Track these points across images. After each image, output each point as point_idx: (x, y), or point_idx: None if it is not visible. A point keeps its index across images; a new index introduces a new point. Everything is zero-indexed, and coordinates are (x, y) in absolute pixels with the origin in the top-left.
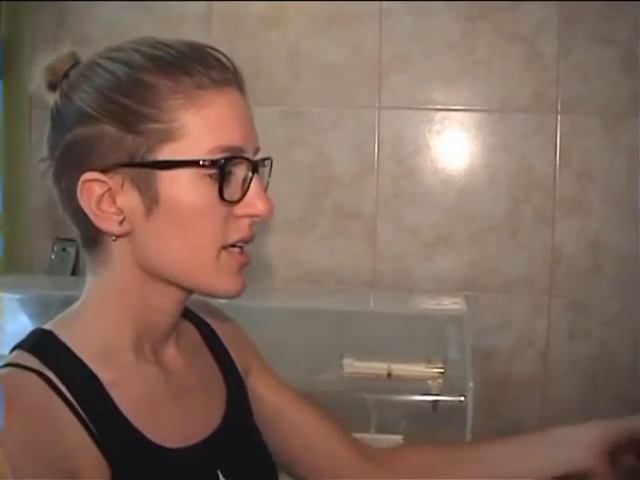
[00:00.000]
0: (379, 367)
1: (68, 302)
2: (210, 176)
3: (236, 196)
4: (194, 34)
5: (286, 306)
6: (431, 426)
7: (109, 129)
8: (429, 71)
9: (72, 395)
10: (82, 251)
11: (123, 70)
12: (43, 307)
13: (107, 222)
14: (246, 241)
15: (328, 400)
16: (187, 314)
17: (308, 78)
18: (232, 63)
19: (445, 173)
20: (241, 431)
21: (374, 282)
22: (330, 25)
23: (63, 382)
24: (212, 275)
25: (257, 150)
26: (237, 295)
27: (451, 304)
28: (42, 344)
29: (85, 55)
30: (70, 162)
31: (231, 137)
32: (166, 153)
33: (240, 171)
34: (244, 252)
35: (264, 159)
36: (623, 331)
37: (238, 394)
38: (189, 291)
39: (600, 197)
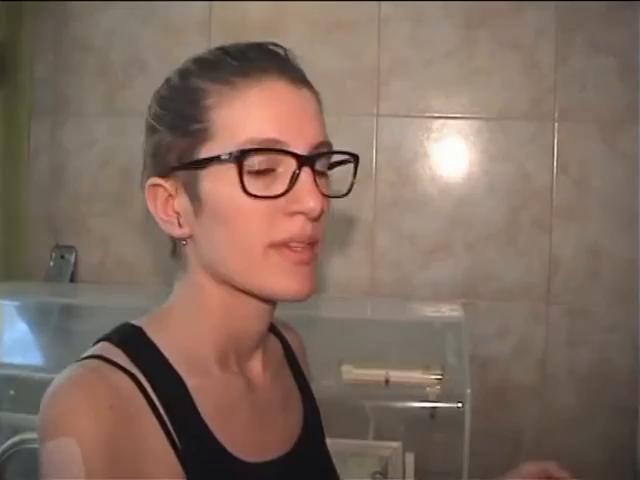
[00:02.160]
0: (377, 374)
1: (66, 309)
2: (238, 171)
3: (278, 191)
4: (194, 41)
5: (283, 313)
6: (429, 433)
7: (165, 135)
8: (427, 78)
9: (158, 398)
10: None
11: (176, 77)
12: (41, 314)
13: (169, 225)
14: (299, 240)
15: (327, 407)
16: (273, 330)
17: None
18: (279, 52)
19: (443, 181)
20: (315, 453)
21: (372, 289)
22: (329, 32)
23: (150, 384)
24: (260, 274)
25: (320, 144)
26: (298, 297)
27: (449, 311)
28: (131, 340)
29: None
30: (145, 172)
31: (263, 129)
32: (205, 152)
33: (286, 165)
34: (299, 250)
35: (321, 154)
36: (621, 338)
37: (313, 415)
38: (264, 299)
39: (598, 205)
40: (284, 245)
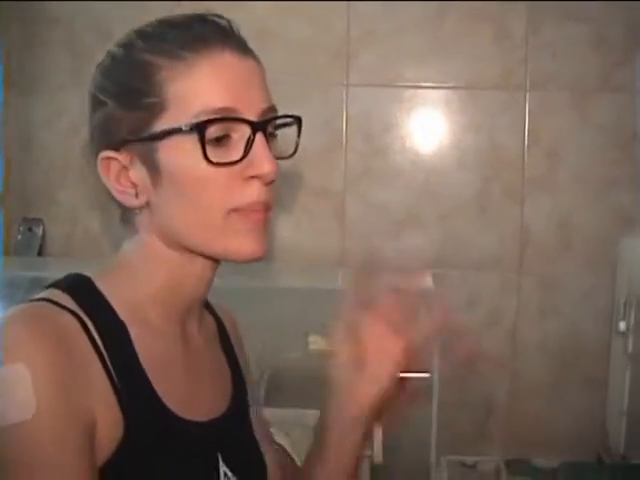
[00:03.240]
0: None
1: (36, 283)
2: (200, 140)
3: (235, 157)
4: (162, 12)
5: (251, 284)
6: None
7: (114, 108)
8: (398, 48)
9: (102, 341)
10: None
11: (121, 51)
12: (10, 288)
13: (125, 196)
14: (256, 207)
15: (293, 377)
16: (209, 308)
17: (276, 56)
18: (223, 24)
19: (414, 151)
20: (241, 425)
21: (342, 260)
22: (298, 3)
23: (95, 327)
24: (222, 238)
25: (268, 109)
26: (255, 257)
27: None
28: (79, 286)
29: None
30: (93, 144)
31: (217, 99)
32: (160, 124)
33: (239, 132)
34: (260, 212)
35: (272, 118)
36: (592, 309)
37: (241, 393)
38: (213, 259)
39: (569, 175)
40: (244, 209)
